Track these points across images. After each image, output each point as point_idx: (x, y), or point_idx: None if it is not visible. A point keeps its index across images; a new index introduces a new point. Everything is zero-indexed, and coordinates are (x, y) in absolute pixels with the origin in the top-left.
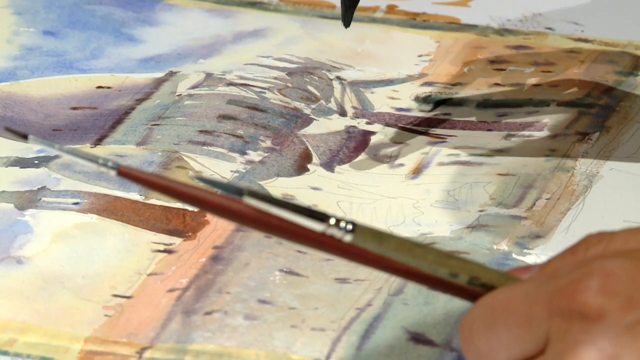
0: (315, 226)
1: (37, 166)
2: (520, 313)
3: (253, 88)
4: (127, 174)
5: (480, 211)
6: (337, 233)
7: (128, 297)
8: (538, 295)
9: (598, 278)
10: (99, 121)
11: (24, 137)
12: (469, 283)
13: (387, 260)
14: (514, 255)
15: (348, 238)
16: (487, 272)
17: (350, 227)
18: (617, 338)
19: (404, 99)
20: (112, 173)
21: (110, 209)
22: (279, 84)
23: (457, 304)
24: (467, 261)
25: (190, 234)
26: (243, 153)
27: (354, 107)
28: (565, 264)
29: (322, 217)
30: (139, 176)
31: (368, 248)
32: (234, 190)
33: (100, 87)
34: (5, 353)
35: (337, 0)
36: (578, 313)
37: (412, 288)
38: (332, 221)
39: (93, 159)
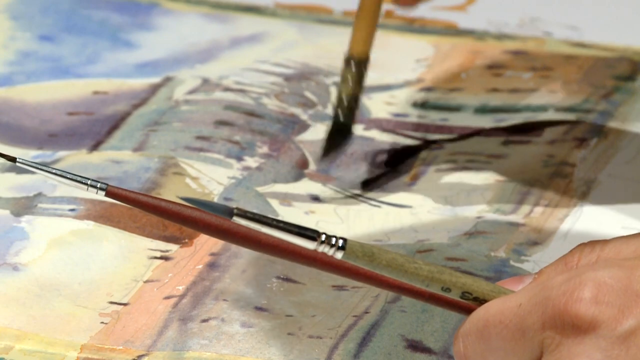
0: (306, 244)
1: (33, 172)
2: (514, 325)
3: (250, 94)
4: (116, 195)
5: (478, 218)
6: (328, 250)
7: (124, 304)
8: (531, 306)
9: (590, 289)
10: (95, 127)
11: (12, 160)
12: (461, 297)
13: (379, 276)
14: (511, 262)
15: (339, 255)
16: (480, 285)
17: (341, 243)
18: (610, 349)
19: (401, 105)
20: (101, 194)
21: (107, 215)
22: (275, 90)
23: None
24: (460, 275)
25: (186, 240)
26: (240, 159)
27: None
28: (557, 274)
29: (312, 235)
30: (128, 196)
31: (359, 264)
32: (223, 210)
33: (96, 92)
34: None
35: (334, 5)
36: (571, 324)
37: None
38: (323, 238)
39: (82, 181)
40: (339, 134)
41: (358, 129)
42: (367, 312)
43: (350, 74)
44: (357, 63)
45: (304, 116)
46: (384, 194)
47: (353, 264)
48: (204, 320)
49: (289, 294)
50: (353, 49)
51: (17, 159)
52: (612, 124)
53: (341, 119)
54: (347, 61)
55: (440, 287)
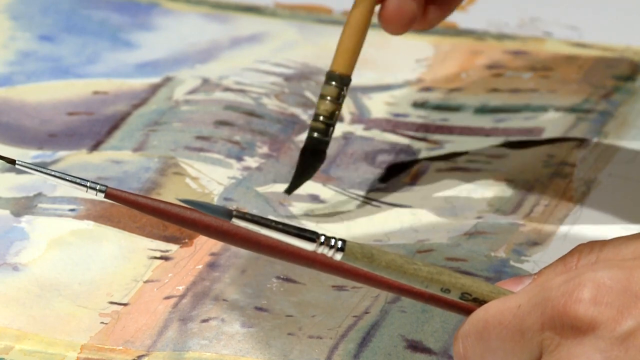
0: (305, 246)
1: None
2: (513, 326)
3: (250, 93)
4: (115, 196)
5: (478, 218)
6: (327, 251)
7: (124, 305)
8: (530, 307)
9: (589, 289)
10: (95, 127)
11: (12, 162)
12: (461, 298)
13: (378, 277)
14: (511, 263)
15: (338, 256)
16: (479, 286)
17: (340, 245)
18: (609, 350)
19: (401, 105)
20: (100, 196)
21: (107, 215)
22: (275, 90)
23: None
24: (460, 276)
25: (186, 240)
26: (240, 159)
27: (351, 113)
28: (557, 275)
29: (311, 236)
30: (127, 198)
31: (359, 266)
32: (222, 212)
33: (96, 92)
34: None
35: (334, 5)
36: (570, 325)
37: None
38: (322, 239)
39: (81, 182)
40: (312, 155)
41: (358, 129)
42: (367, 313)
43: (330, 91)
44: (339, 80)
45: (304, 116)
46: (384, 194)
47: (352, 265)
48: (204, 321)
49: (289, 294)
50: (335, 65)
51: (17, 162)
52: (612, 124)
53: (316, 136)
54: (328, 77)
55: (440, 288)
